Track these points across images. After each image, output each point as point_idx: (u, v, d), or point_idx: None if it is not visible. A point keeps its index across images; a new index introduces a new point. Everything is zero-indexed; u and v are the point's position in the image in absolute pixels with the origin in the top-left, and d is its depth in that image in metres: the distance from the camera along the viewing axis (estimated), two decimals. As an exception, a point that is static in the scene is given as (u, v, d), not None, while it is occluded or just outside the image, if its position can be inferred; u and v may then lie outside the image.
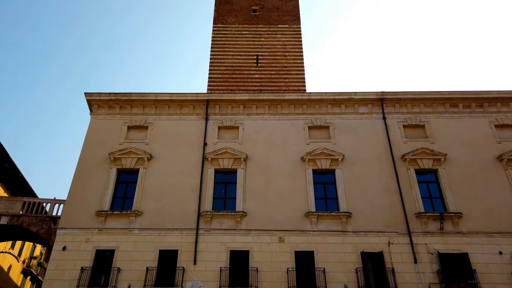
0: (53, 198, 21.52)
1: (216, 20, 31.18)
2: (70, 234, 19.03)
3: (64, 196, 20.84)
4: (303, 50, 29.96)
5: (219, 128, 22.69)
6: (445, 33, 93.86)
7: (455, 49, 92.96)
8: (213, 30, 30.55)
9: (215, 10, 31.85)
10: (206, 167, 21.13)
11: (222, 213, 19.56)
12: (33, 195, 29.69)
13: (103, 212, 19.51)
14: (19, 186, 29.06)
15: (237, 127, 22.69)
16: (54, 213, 20.89)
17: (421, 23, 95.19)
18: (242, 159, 21.17)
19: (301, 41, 30.27)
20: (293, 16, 31.43)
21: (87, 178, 20.81)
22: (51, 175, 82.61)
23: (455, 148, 21.36)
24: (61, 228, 19.28)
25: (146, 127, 22.73)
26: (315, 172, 20.97)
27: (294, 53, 29.49)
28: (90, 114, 23.30)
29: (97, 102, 23.30)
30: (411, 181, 20.42)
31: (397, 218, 19.28)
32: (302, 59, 29.28)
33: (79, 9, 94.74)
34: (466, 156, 21.10)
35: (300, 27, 30.95)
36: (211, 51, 29.51)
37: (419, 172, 20.81)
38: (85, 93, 23.30)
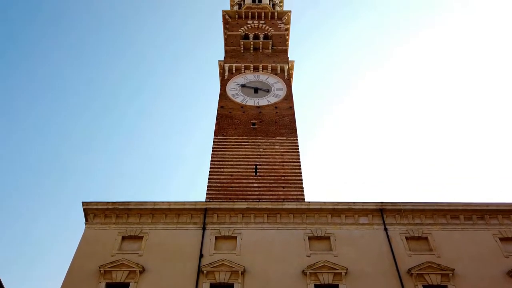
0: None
1: (217, 132, 32.71)
2: None
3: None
4: (301, 159, 30.81)
5: (216, 238, 21.97)
6: (442, 144, 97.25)
7: (452, 159, 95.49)
8: (213, 141, 31.81)
9: (216, 124, 33.64)
10: (201, 281, 19.86)
11: (217, 335, 17.80)
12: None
13: (85, 334, 17.72)
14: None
15: (235, 237, 21.98)
16: (31, 335, 18.97)
17: (421, 131, 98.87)
18: (239, 272, 20.05)
19: (298, 151, 31.30)
20: (290, 129, 33.09)
21: (72, 294, 19.35)
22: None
23: (462, 262, 20.48)
24: None
25: (141, 237, 21.96)
26: (317, 287, 19.72)
27: (292, 163, 30.20)
28: (85, 224, 22.70)
29: (93, 211, 22.89)
30: (421, 299, 19.12)
31: None
32: (300, 168, 29.87)
33: (74, 114, 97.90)
34: (475, 271, 20.11)
35: (297, 139, 32.31)
36: (211, 160, 30.24)
37: (428, 288, 19.61)
38: (82, 202, 22.95)
